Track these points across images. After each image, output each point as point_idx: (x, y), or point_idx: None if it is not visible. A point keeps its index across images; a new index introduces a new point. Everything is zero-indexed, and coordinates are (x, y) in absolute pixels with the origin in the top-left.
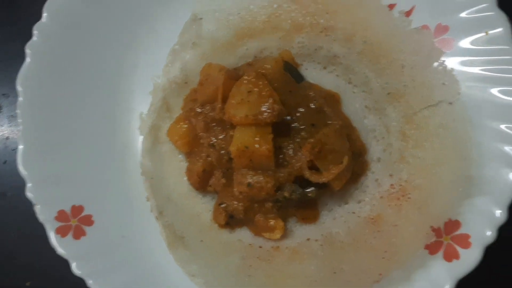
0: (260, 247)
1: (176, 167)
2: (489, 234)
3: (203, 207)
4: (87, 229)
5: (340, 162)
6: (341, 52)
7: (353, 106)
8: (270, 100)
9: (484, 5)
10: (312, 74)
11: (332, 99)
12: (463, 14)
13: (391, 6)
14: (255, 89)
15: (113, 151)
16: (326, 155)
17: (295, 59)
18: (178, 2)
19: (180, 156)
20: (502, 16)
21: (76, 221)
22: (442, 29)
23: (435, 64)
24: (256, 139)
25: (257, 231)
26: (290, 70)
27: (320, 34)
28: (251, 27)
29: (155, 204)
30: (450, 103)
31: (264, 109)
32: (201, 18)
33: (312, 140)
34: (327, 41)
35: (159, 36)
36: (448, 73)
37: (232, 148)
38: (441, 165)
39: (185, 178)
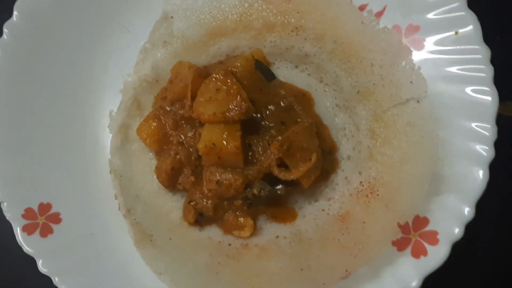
0: (230, 244)
1: (145, 166)
2: (457, 231)
3: (172, 205)
4: (54, 227)
5: (309, 159)
6: (312, 51)
7: (324, 105)
8: (238, 98)
9: (454, 5)
10: (284, 72)
11: (303, 98)
12: (433, 14)
13: (363, 7)
14: (224, 87)
15: (82, 149)
16: (294, 153)
17: (266, 58)
18: (149, 0)
19: (150, 154)
20: (472, 16)
21: (43, 219)
22: (413, 29)
23: (403, 63)
24: (224, 136)
25: (227, 229)
26: (261, 69)
27: (291, 33)
28: (223, 26)
29: (123, 202)
30: (418, 102)
31: (232, 107)
32: (172, 17)
33: (280, 137)
34: (298, 40)
35: (129, 35)
36: (416, 71)
37: (200, 146)
38: (408, 163)
39: (155, 177)
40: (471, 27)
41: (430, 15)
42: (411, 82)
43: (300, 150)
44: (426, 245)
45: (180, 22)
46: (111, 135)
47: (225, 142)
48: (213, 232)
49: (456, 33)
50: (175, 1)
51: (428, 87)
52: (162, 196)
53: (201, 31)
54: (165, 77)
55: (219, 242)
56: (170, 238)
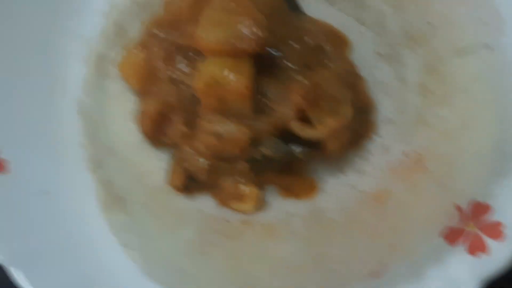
0: (227, 221)
1: (125, 110)
2: None
3: (155, 164)
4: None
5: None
6: None
7: (362, 52)
8: (253, 23)
9: None
10: (315, 8)
11: (337, 40)
12: None
13: None
14: (235, 7)
15: (43, 81)
16: (322, 104)
17: None
18: None
19: (133, 98)
20: None
21: None
22: None
23: None
24: (232, 72)
25: (224, 200)
26: None
27: None
28: None
29: (91, 153)
30: (491, 49)
31: (244, 34)
32: None
33: (306, 81)
34: None
35: None
36: (491, 7)
37: (198, 82)
38: (471, 130)
39: (137, 128)
40: None
41: None
42: (483, 21)
43: (330, 101)
44: (486, 239)
45: None
46: (84, 68)
47: (232, 78)
48: (205, 203)
49: None
50: None
51: (508, 30)
52: (144, 151)
53: None
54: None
55: (212, 216)
56: (148, 206)
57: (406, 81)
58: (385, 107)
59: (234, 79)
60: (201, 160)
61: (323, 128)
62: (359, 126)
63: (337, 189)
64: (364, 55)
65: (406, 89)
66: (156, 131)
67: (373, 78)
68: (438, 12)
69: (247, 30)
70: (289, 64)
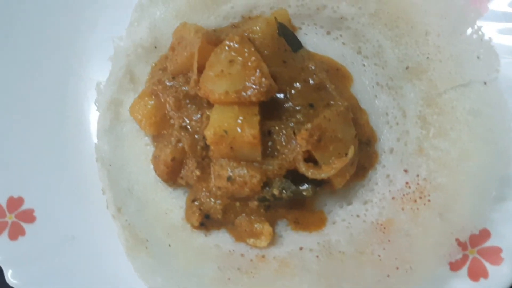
0: (242, 255)
1: (140, 152)
2: None
3: (172, 203)
4: (26, 227)
5: (344, 154)
6: (350, 13)
7: (362, 83)
8: (258, 73)
9: None
10: (313, 40)
11: (337, 74)
12: None
13: None
14: (239, 57)
15: (63, 130)
16: (327, 145)
17: (291, 21)
18: None
19: (146, 138)
20: None
21: (13, 217)
22: None
23: (469, 31)
24: (239, 121)
25: (239, 236)
26: (286, 35)
27: None
28: None
29: (112, 199)
30: (485, 83)
31: (249, 84)
32: None
33: (309, 125)
34: None
35: None
36: (485, 43)
37: (208, 133)
38: (470, 161)
39: (152, 167)
40: None
41: None
42: (478, 57)
43: (334, 142)
44: (486, 264)
45: None
46: (98, 113)
47: (239, 129)
48: (222, 239)
49: None
50: None
51: (500, 65)
52: (160, 192)
53: None
54: (165, 42)
55: (230, 251)
56: (169, 245)
57: (407, 113)
58: (387, 137)
59: (242, 129)
60: (215, 201)
61: (328, 168)
62: (364, 159)
63: (345, 220)
64: (364, 86)
65: (407, 120)
66: (171, 175)
67: (374, 110)
68: (436, 47)
69: (253, 82)
70: (293, 106)
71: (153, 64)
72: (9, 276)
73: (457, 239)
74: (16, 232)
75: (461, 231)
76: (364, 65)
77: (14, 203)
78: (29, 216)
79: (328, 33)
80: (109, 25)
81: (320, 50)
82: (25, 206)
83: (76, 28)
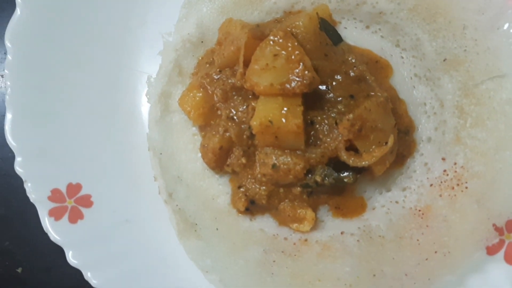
0: (286, 238)
1: (188, 142)
2: None
3: (219, 189)
4: (85, 211)
5: (384, 142)
6: (389, 8)
7: (401, 75)
8: (301, 66)
9: None
10: (352, 34)
11: (376, 66)
12: None
13: None
14: (283, 52)
15: (116, 121)
16: (367, 134)
17: (332, 16)
18: None
19: (194, 128)
20: None
21: (72, 202)
22: None
23: (506, 25)
24: (283, 112)
25: (283, 221)
26: (327, 29)
27: None
28: None
29: (164, 185)
30: None
31: (293, 77)
32: None
33: (351, 115)
34: None
35: None
36: None
37: (254, 123)
38: (507, 150)
39: (199, 155)
40: None
41: None
42: None
43: (374, 131)
44: None
45: None
46: (149, 105)
47: (284, 120)
48: (266, 223)
49: None
50: None
51: None
52: (208, 178)
53: None
54: (212, 37)
55: (274, 235)
56: (217, 228)
57: (444, 103)
58: (425, 127)
59: (286, 119)
60: (260, 187)
61: (369, 156)
62: (402, 147)
63: (384, 206)
64: (403, 77)
65: (444, 110)
66: (218, 163)
67: (412, 100)
68: (473, 40)
69: (296, 74)
70: (335, 97)
71: (200, 58)
72: (70, 257)
73: (494, 225)
74: (75, 216)
75: (498, 217)
76: (402, 57)
77: (73, 189)
78: (87, 201)
79: (367, 27)
80: (158, 22)
81: (359, 43)
82: (83, 192)
83: (127, 26)
